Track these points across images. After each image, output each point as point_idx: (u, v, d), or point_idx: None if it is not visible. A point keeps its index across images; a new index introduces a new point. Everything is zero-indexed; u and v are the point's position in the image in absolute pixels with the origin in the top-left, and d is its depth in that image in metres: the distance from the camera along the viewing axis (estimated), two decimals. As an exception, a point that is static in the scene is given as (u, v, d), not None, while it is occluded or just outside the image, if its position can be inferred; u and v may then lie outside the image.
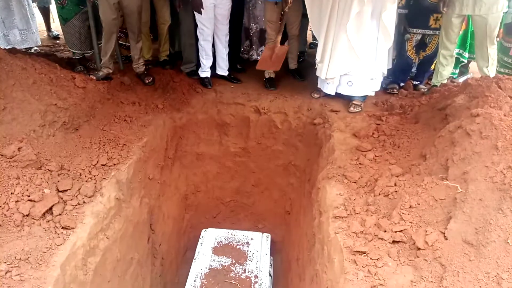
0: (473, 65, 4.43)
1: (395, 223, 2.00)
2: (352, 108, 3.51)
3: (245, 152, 4.14)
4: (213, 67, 4.11)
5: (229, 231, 3.69)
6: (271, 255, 3.52)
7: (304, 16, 3.92)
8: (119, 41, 4.40)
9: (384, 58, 3.43)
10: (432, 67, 4.11)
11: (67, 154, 2.63)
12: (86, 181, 2.44)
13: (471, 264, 1.66)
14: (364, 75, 3.44)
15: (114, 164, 2.67)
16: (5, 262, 1.80)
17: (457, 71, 4.49)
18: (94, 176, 2.50)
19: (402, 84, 4.06)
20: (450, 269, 1.69)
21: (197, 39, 3.95)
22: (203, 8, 3.63)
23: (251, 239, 3.60)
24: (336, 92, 3.62)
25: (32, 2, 4.87)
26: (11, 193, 2.10)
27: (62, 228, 2.07)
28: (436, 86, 3.82)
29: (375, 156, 2.74)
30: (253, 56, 4.82)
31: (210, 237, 3.60)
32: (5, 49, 3.32)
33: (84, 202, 2.29)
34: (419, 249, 1.83)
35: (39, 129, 2.62)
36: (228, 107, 3.95)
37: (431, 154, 2.38)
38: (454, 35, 3.64)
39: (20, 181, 2.17)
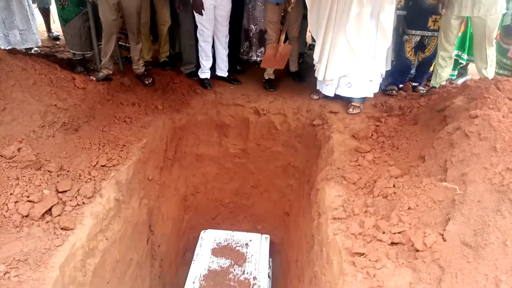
0: (471, 67, 4.44)
1: (394, 225, 2.00)
2: (351, 110, 3.51)
3: (244, 153, 4.14)
4: (212, 68, 4.12)
5: (228, 233, 3.69)
6: (270, 256, 3.53)
7: (304, 17, 3.93)
8: (119, 42, 4.41)
9: (382, 60, 3.43)
10: (431, 68, 4.12)
11: (66, 155, 2.63)
12: (86, 182, 2.44)
13: (469, 266, 1.66)
14: (363, 77, 3.45)
15: (113, 165, 2.67)
16: (4, 263, 1.80)
17: (456, 72, 4.50)
18: (94, 177, 2.50)
19: (401, 85, 4.07)
20: (449, 271, 1.69)
21: (197, 40, 3.96)
22: (203, 9, 3.64)
23: (250, 240, 3.60)
24: (335, 94, 3.63)
25: (33, 3, 4.88)
26: (11, 194, 2.10)
27: (61, 229, 2.07)
28: (435, 87, 3.83)
29: (374, 157, 2.74)
30: (252, 57, 4.83)
31: (209, 238, 3.60)
32: (5, 49, 3.32)
33: (83, 203, 2.29)
34: (417, 250, 1.83)
35: (38, 129, 2.62)
36: (227, 108, 3.95)
37: (430, 156, 2.39)
38: (453, 37, 3.65)
39: (20, 182, 2.18)
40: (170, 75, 4.18)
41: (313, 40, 4.92)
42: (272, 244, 3.71)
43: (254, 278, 3.20)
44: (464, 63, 4.39)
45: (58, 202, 2.19)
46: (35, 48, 4.86)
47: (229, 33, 3.98)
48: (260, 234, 3.70)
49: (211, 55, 4.01)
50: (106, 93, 3.51)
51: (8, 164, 2.25)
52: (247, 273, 3.24)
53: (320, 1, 3.38)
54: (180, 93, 3.95)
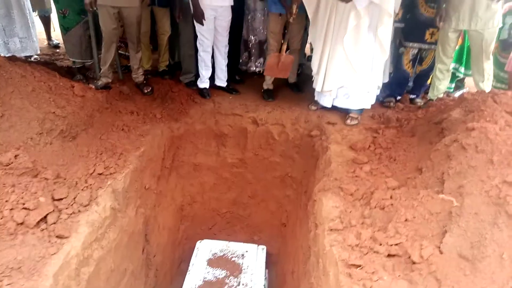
0: (468, 80, 4.48)
1: (391, 237, 2.00)
2: (349, 121, 3.52)
3: (242, 163, 4.14)
4: (211, 78, 4.14)
5: (224, 243, 3.66)
6: (266, 267, 3.50)
7: (305, 29, 3.96)
8: (119, 51, 4.43)
9: (379, 72, 3.45)
10: (429, 81, 4.14)
11: (63, 162, 2.62)
12: (82, 189, 2.42)
13: (466, 279, 1.66)
14: (361, 88, 3.46)
15: (110, 173, 2.66)
16: (-3, 271, 1.78)
17: (453, 85, 4.54)
18: (90, 185, 2.49)
19: (398, 97, 4.09)
20: (445, 284, 1.68)
21: (196, 50, 3.99)
22: (204, 19, 3.67)
23: (246, 251, 3.57)
24: (333, 105, 3.64)
25: (33, 11, 4.91)
26: (6, 201, 2.08)
27: (56, 237, 2.05)
28: (432, 100, 3.85)
29: (372, 168, 2.74)
30: (251, 68, 4.85)
31: (205, 248, 3.58)
32: (4, 56, 3.33)
33: (79, 211, 2.27)
34: (414, 263, 1.82)
35: (36, 137, 2.62)
36: (226, 117, 3.96)
37: (427, 168, 2.39)
38: (451, 50, 3.68)
39: (16, 189, 2.16)
40: (169, 84, 4.20)
41: (312, 51, 4.96)
42: (268, 255, 3.69)
43: (250, 289, 3.17)
44: (462, 76, 4.43)
45: (53, 210, 2.17)
46: (35, 56, 4.87)
47: (228, 44, 4.01)
48: (256, 245, 3.68)
49: (210, 65, 4.03)
50: (104, 101, 3.51)
51: (5, 171, 2.24)
52: (243, 284, 3.21)
53: (318, 13, 3.41)
54: (178, 102, 3.96)
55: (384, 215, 2.19)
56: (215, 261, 3.43)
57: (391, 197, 2.28)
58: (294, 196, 3.96)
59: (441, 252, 1.81)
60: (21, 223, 2.03)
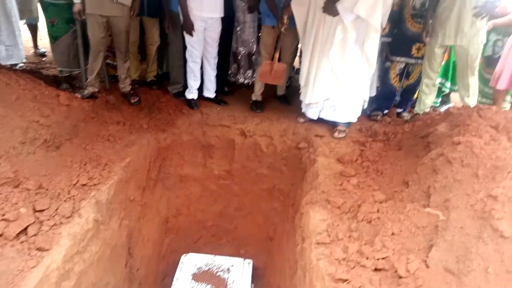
0: (454, 95, 4.55)
1: (378, 250, 1.99)
2: (336, 134, 3.53)
3: (229, 174, 4.11)
4: (200, 89, 4.12)
5: (210, 257, 3.60)
6: (252, 282, 3.44)
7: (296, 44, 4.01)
8: (107, 60, 4.40)
9: (366, 85, 3.48)
10: (415, 95, 4.19)
11: (46, 172, 2.57)
12: (65, 201, 2.37)
13: (452, 294, 1.65)
14: (347, 101, 3.48)
15: (94, 184, 2.61)
16: (-27, 285, 1.72)
17: (440, 100, 4.60)
18: (73, 196, 2.43)
19: (386, 111, 4.12)
20: (432, 298, 1.67)
21: (185, 61, 3.98)
22: (194, 30, 3.67)
23: (232, 265, 3.51)
24: (319, 117, 3.65)
25: (21, 19, 4.86)
26: (-15, 212, 2.02)
27: (37, 249, 1.99)
28: (418, 114, 3.89)
29: (359, 181, 2.74)
30: (240, 80, 4.86)
31: (190, 262, 3.51)
32: (-11, 64, 3.28)
33: (61, 222, 2.21)
34: (400, 277, 1.81)
35: (19, 146, 2.56)
36: (213, 129, 3.93)
37: (414, 181, 2.40)
38: (437, 65, 3.74)
39: (-5, 200, 2.11)
40: (156, 94, 4.17)
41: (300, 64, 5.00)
42: (255, 269, 3.63)
43: (236, 304, 3.11)
44: (447, 91, 4.50)
45: (34, 222, 2.11)
46: (20, 64, 4.80)
47: (217, 55, 4.02)
48: (242, 259, 3.63)
49: (199, 75, 4.02)
50: (90, 111, 3.47)
51: (-16, 181, 2.18)
52: (229, 299, 3.15)
53: (307, 25, 3.44)
54: (166, 112, 3.93)
55: (371, 228, 2.18)
56: (200, 276, 3.37)
57: (378, 211, 2.28)
58: (282, 208, 3.93)
59: (427, 266, 1.81)
60: (0, 235, 1.97)
